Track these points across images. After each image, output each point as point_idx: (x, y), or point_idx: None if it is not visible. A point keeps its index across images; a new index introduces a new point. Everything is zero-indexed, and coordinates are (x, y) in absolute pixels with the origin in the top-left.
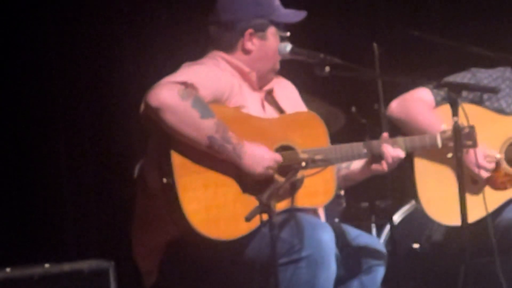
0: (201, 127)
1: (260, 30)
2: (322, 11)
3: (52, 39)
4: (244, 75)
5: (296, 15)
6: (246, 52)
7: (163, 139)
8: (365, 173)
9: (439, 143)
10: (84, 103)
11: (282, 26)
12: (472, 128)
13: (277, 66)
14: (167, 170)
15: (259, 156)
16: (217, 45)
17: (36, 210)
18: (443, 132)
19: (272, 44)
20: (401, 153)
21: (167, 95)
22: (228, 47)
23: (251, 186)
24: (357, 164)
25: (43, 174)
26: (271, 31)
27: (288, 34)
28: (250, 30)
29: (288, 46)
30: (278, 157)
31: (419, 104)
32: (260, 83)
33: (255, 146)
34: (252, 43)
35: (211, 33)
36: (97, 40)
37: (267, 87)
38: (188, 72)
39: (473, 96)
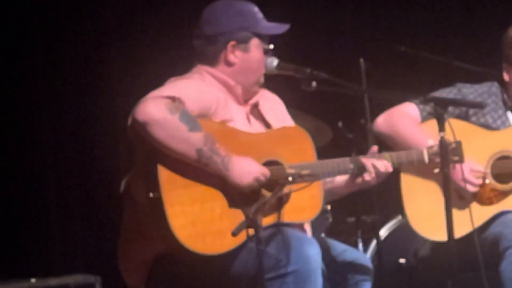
0: (190, 140)
1: (242, 42)
2: (308, 26)
3: (38, 52)
4: (229, 89)
5: (279, 28)
6: (229, 64)
7: (150, 153)
8: (350, 187)
9: (426, 158)
10: (70, 117)
11: (265, 39)
12: (458, 143)
13: (262, 80)
14: (153, 184)
15: (247, 168)
16: (201, 59)
17: (21, 224)
18: (429, 148)
19: (256, 57)
20: (388, 166)
21: (155, 109)
22: (212, 61)
23: (238, 201)
24: (341, 178)
25: (28, 187)
26: (254, 43)
27: (272, 46)
28: (232, 42)
29: (274, 61)
30: (265, 170)
31: (405, 119)
32: (245, 96)
33: (243, 158)
34: (234, 56)
35: (195, 47)
36: (83, 54)
37: (252, 101)
38: (174, 87)
39: (459, 111)
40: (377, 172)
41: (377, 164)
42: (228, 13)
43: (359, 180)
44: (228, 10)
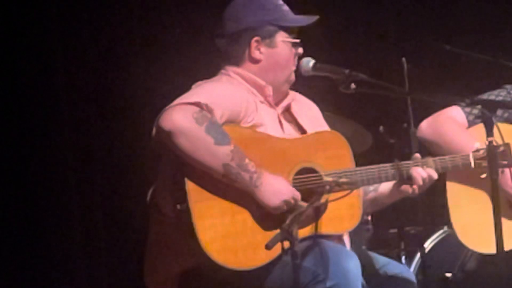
0: (216, 154)
1: (267, 37)
2: (347, 24)
3: (61, 62)
4: (260, 90)
5: (306, 19)
6: (255, 62)
7: (176, 163)
8: (394, 196)
9: (472, 163)
10: (93, 126)
11: (293, 33)
12: (507, 145)
13: (292, 77)
14: (181, 196)
15: (277, 189)
16: (227, 59)
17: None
18: (476, 151)
19: (283, 52)
20: (433, 173)
21: (181, 118)
22: (237, 60)
23: (270, 215)
24: (385, 187)
25: (53, 206)
26: (281, 37)
27: (299, 40)
28: (256, 38)
29: (310, 62)
30: (296, 193)
31: (451, 124)
32: (276, 97)
33: (274, 177)
34: (260, 52)
35: (219, 47)
36: (108, 61)
37: (284, 103)
38: (202, 92)
39: (508, 114)
40: (423, 180)
41: (422, 172)
42: (250, 8)
43: (404, 188)
44: (250, 4)
